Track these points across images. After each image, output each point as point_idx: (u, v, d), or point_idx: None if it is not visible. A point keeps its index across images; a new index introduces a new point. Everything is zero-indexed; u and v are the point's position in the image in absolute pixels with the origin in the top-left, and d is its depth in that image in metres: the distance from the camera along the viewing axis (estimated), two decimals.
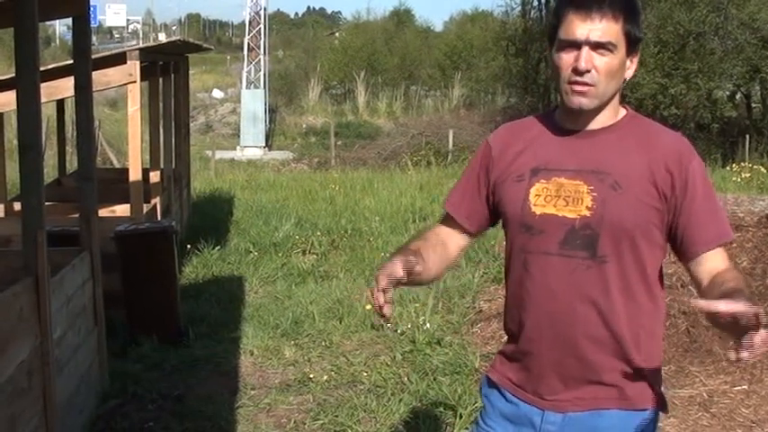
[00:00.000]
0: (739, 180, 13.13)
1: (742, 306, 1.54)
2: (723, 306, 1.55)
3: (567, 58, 1.86)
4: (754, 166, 14.06)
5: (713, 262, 1.88)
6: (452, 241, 2.09)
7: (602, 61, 1.84)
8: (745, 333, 1.54)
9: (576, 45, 1.84)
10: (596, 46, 1.83)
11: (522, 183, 1.94)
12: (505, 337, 2.11)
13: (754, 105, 23.86)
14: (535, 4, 24.97)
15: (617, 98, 1.93)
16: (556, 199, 1.89)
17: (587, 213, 1.86)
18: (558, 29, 1.87)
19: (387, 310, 1.79)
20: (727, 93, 24.11)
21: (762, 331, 1.52)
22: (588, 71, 1.83)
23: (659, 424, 2.02)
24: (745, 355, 1.53)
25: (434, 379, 4.74)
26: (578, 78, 1.84)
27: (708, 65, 20.49)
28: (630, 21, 1.86)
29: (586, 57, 1.83)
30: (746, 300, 1.63)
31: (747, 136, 20.44)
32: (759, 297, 5.22)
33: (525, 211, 1.92)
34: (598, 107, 1.89)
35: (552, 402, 1.93)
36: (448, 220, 2.11)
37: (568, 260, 1.87)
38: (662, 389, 1.97)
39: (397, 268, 1.80)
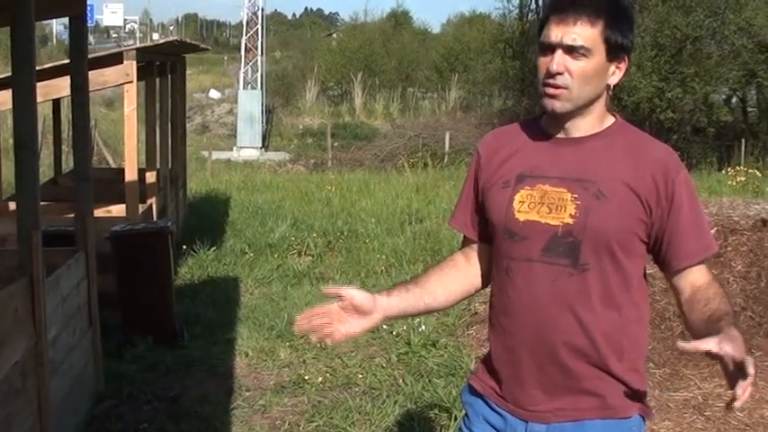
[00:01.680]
0: (735, 184, 13.14)
1: (730, 350, 1.59)
2: (712, 347, 1.60)
3: (543, 61, 1.87)
4: (750, 170, 14.07)
5: (695, 275, 1.90)
6: (471, 256, 2.09)
7: (576, 65, 1.83)
8: (733, 376, 1.58)
9: (551, 48, 1.85)
10: (570, 50, 1.83)
11: (507, 189, 1.94)
12: None
13: (749, 109, 23.92)
14: (533, 6, 24.99)
15: (600, 104, 1.91)
16: (539, 206, 1.88)
17: (570, 221, 1.85)
18: (541, 34, 1.89)
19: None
20: (724, 97, 24.17)
21: (746, 381, 1.56)
22: (560, 74, 1.83)
23: (654, 427, 2.02)
24: (737, 405, 1.57)
25: (429, 381, 4.74)
26: (550, 81, 1.85)
27: (704, 69, 20.53)
28: (611, 26, 1.84)
29: (558, 60, 1.83)
30: (733, 326, 1.68)
31: (743, 140, 20.50)
32: (753, 300, 5.23)
33: (509, 218, 1.91)
34: (574, 111, 1.88)
35: (534, 413, 1.91)
36: (464, 238, 2.12)
37: (550, 267, 1.86)
38: (646, 396, 1.95)
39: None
